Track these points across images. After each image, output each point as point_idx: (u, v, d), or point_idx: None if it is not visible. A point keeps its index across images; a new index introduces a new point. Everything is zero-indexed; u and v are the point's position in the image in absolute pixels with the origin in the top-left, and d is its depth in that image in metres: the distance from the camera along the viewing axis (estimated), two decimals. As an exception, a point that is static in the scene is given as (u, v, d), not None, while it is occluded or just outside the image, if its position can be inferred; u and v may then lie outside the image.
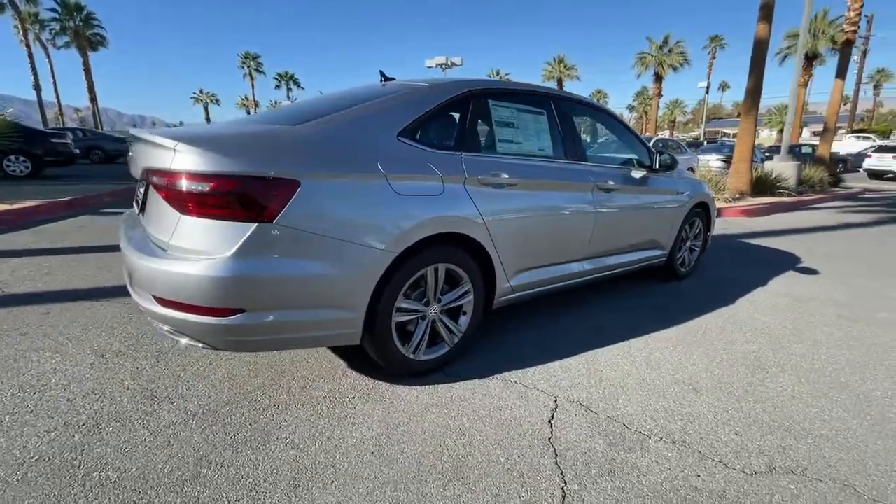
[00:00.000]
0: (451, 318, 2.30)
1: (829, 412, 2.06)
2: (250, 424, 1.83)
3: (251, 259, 1.64)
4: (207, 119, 65.24)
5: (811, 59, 27.31)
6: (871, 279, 4.22)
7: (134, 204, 2.24)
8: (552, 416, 1.97)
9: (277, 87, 58.20)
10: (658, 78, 34.03)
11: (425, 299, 2.17)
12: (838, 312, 3.32)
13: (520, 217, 2.40)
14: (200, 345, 1.78)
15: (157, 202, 1.79)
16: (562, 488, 1.56)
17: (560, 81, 40.52)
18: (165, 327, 1.80)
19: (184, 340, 1.82)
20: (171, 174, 1.63)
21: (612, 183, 2.96)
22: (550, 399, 2.10)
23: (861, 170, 19.64)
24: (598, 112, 3.29)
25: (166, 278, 1.66)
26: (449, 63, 22.57)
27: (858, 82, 36.15)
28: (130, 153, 2.15)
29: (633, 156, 3.34)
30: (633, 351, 2.62)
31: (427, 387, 2.16)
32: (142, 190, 2.03)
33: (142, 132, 1.83)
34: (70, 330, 2.60)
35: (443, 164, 2.11)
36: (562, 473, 1.63)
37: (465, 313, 2.34)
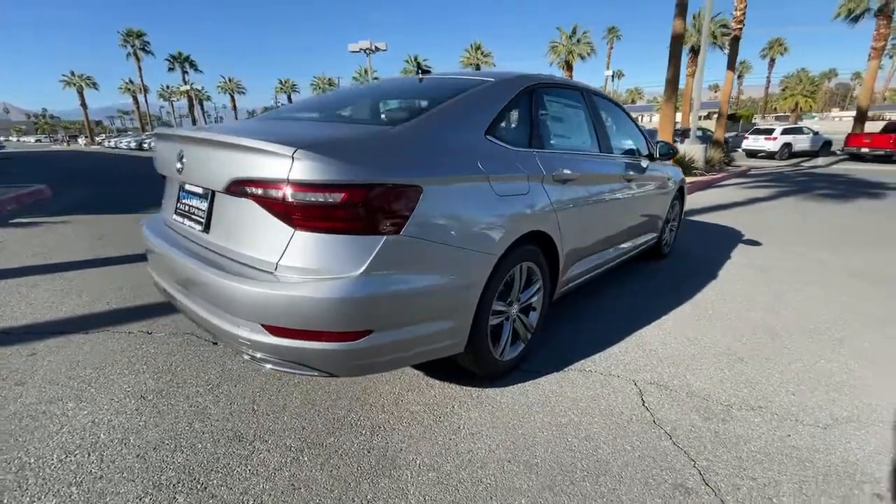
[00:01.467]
0: (525, 316, 2.32)
1: (846, 365, 2.43)
2: (368, 451, 1.71)
3: (380, 275, 1.51)
4: (83, 105, 56.34)
5: (696, 52, 30.80)
6: (806, 247, 4.97)
7: (179, 218, 1.92)
8: (643, 400, 2.09)
9: (171, 69, 51.94)
10: (568, 66, 36.20)
11: (509, 299, 2.16)
12: (799, 279, 3.88)
13: (577, 211, 2.47)
14: (315, 373, 1.61)
15: (248, 217, 1.56)
16: (694, 466, 1.68)
17: (478, 67, 41.23)
18: (258, 355, 1.60)
19: (268, 366, 1.64)
20: (288, 185, 1.43)
21: (631, 173, 3.15)
22: (629, 383, 2.23)
23: (740, 149, 22.73)
24: (609, 103, 3.45)
25: (282, 304, 1.47)
26: (373, 48, 21.83)
27: (700, 73, 41.77)
28: (171, 157, 1.85)
29: (639, 146, 3.57)
30: (666, 328, 2.85)
31: (514, 387, 2.17)
32: (203, 204, 1.75)
33: (224, 137, 1.57)
34: (79, 371, 2.19)
35: (525, 162, 2.11)
36: (685, 452, 1.75)
37: (534, 309, 2.37)
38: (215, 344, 2.49)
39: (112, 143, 39.01)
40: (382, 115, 2.24)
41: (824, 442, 1.83)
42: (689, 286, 3.66)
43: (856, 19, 24.15)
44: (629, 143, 3.46)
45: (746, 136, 22.67)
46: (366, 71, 49.18)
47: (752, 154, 21.88)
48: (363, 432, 1.82)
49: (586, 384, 2.20)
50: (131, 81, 57.44)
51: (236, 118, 61.68)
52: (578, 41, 35.74)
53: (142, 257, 4.04)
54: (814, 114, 67.83)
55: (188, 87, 47.40)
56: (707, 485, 1.59)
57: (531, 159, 2.16)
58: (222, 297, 1.56)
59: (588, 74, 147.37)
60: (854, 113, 24.19)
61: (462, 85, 2.20)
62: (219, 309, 1.60)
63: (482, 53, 41.04)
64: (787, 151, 20.44)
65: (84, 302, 3.03)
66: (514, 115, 2.25)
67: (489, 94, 2.12)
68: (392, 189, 1.52)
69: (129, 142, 35.19)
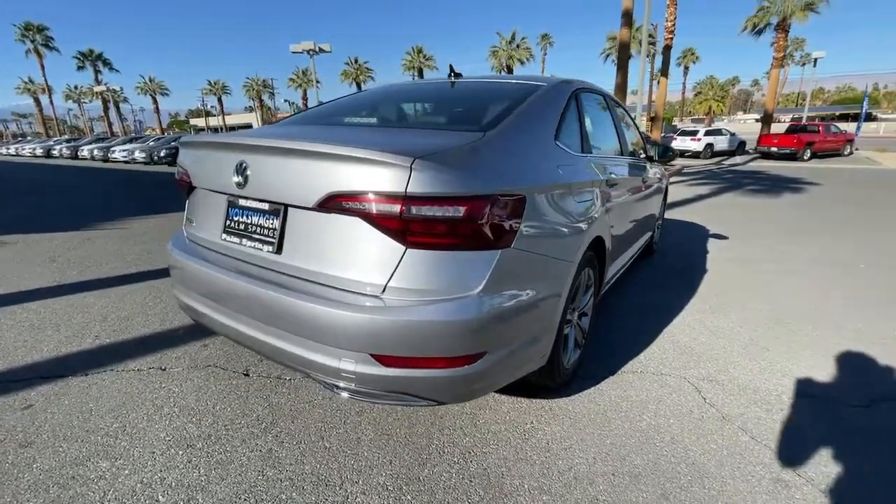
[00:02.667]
0: (580, 322, 2.31)
1: (861, 346, 2.67)
2: (469, 481, 1.61)
3: (497, 292, 1.42)
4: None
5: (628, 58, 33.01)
6: (767, 239, 5.44)
7: (233, 238, 1.69)
8: (703, 398, 2.15)
9: (80, 68, 46.80)
10: (509, 70, 37.29)
11: (573, 306, 2.14)
12: (776, 269, 4.23)
13: (616, 214, 2.51)
14: (422, 403, 1.48)
15: (345, 235, 1.40)
16: (782, 457, 1.75)
17: (420, 71, 41.36)
18: (361, 388, 1.45)
19: (344, 394, 1.50)
20: (406, 198, 1.29)
21: (644, 175, 3.26)
22: (683, 381, 2.29)
23: (670, 149, 24.62)
24: (621, 107, 3.55)
25: (397, 330, 1.33)
26: (317, 49, 21.07)
27: (651, 79, 45.17)
28: (221, 169, 1.62)
29: (641, 147, 3.70)
30: (688, 323, 2.97)
31: (579, 395, 2.15)
32: (272, 221, 1.55)
33: (318, 146, 1.40)
34: (96, 422, 1.86)
35: (586, 167, 2.10)
36: (766, 446, 1.82)
37: (586, 314, 2.37)
38: (246, 375, 2.23)
39: (13, 150, 34.40)
40: (453, 120, 2.12)
41: (867, 421, 1.98)
42: (686, 280, 3.86)
43: (759, 32, 27.03)
44: (639, 146, 3.58)
45: (675, 136, 24.58)
46: (304, 73, 47.56)
47: (680, 154, 23.78)
48: (455, 459, 1.71)
49: (645, 386, 2.23)
50: (31, 81, 51.18)
51: (160, 122, 56.96)
52: (518, 46, 36.99)
53: (117, 280, 3.58)
54: (723, 117, 75.07)
55: (103, 88, 42.96)
56: (800, 476, 1.66)
57: (589, 164, 2.16)
58: (317, 326, 1.39)
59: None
60: (756, 116, 27.07)
61: (517, 89, 2.15)
62: (311, 340, 1.42)
63: (424, 57, 41.16)
64: (710, 151, 22.41)
65: (66, 338, 2.60)
66: (569, 120, 2.23)
67: (550, 98, 2.09)
68: (508, 200, 1.44)
69: (35, 148, 31.22)
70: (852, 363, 2.48)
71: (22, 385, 2.12)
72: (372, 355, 1.36)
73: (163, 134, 48.62)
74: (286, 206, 1.52)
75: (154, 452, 1.69)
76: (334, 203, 1.38)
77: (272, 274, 1.55)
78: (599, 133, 2.61)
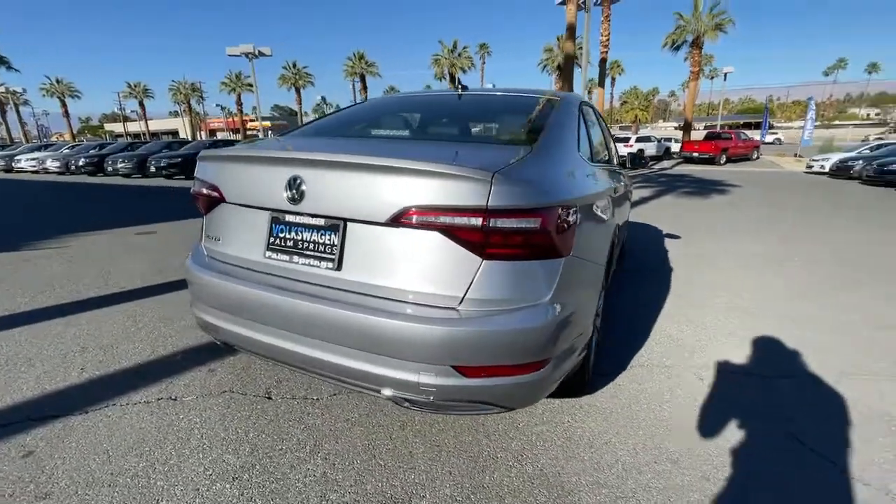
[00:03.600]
0: (595, 322, 2.45)
1: (808, 335, 3.04)
2: (531, 482, 1.67)
3: (560, 298, 1.50)
4: None
5: (561, 69, 34.91)
6: (714, 237, 6.00)
7: (281, 255, 1.62)
8: (723, 384, 2.36)
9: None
10: (452, 78, 37.99)
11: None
12: (730, 265, 4.70)
13: (615, 220, 2.69)
14: (494, 410, 1.52)
15: (417, 249, 1.41)
16: (791, 428, 1.97)
17: (363, 78, 40.88)
18: (440, 400, 1.46)
19: (410, 407, 1.52)
20: (487, 212, 1.33)
21: (624, 181, 3.51)
22: (688, 371, 2.49)
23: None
24: (600, 117, 3.78)
25: (481, 341, 1.37)
26: (256, 52, 20.16)
27: (584, 89, 48.25)
28: (268, 183, 1.56)
29: (617, 155, 3.97)
30: (673, 317, 3.23)
31: (601, 391, 2.28)
32: (331, 237, 1.52)
33: (390, 161, 1.40)
34: (120, 463, 1.69)
35: (602, 176, 2.24)
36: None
37: (598, 315, 2.52)
38: (269, 398, 2.13)
39: None
40: (496, 133, 2.18)
41: (856, 390, 2.28)
42: (659, 278, 4.18)
43: (677, 48, 29.65)
44: (616, 154, 3.84)
45: (609, 143, 26.28)
46: (237, 76, 45.22)
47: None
48: (511, 464, 1.75)
49: (656, 378, 2.41)
50: None
51: (70, 127, 51.51)
52: (459, 55, 37.74)
53: (79, 306, 3.23)
54: (647, 124, 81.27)
55: (1, 89, 38.10)
56: (817, 441, 1.89)
57: (602, 173, 2.31)
58: (394, 341, 1.39)
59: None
60: (675, 123, 29.74)
61: (536, 102, 2.27)
62: (383, 356, 1.41)
63: (366, 63, 40.75)
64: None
65: (45, 373, 2.32)
66: (582, 132, 2.37)
67: (570, 110, 2.21)
68: (568, 209, 1.52)
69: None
70: (815, 348, 2.83)
71: (11, 430, 1.87)
72: (454, 367, 1.38)
73: (74, 140, 43.95)
74: (346, 220, 1.50)
75: (199, 489, 1.58)
76: (409, 218, 1.39)
77: (334, 292, 1.51)
78: (597, 143, 2.79)
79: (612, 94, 76.57)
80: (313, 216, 1.55)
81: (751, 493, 1.64)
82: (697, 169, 18.49)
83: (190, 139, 44.85)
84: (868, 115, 78.44)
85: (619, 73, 66.20)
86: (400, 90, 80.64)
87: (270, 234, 1.65)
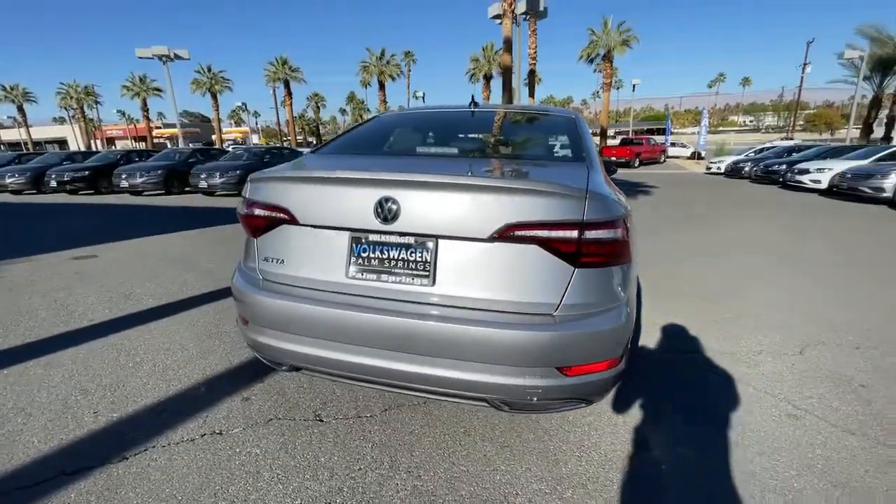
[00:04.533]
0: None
1: (763, 313, 3.57)
2: (603, 466, 1.83)
3: (629, 298, 1.68)
4: None
5: (488, 79, 36.35)
6: (656, 234, 6.68)
7: (369, 275, 1.64)
8: (715, 368, 2.71)
9: None
10: (381, 86, 37.80)
11: None
12: (678, 257, 5.29)
13: None
14: (581, 404, 1.66)
15: (513, 262, 1.52)
16: (782, 398, 2.34)
17: (287, 83, 39.15)
18: (543, 400, 1.57)
19: (505, 407, 1.64)
20: (584, 225, 1.48)
21: None
22: (689, 356, 2.83)
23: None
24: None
25: (580, 341, 1.51)
26: (172, 55, 18.56)
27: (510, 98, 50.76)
28: (355, 204, 1.59)
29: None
30: (653, 308, 3.61)
31: (632, 380, 2.52)
32: (423, 254, 1.57)
33: (491, 181, 1.50)
34: (203, 499, 1.58)
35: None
36: (771, 394, 2.41)
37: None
38: (321, 421, 2.09)
39: None
40: (547, 151, 2.31)
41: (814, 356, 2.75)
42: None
43: (591, 61, 32.28)
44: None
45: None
46: (142, 79, 41.17)
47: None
48: (578, 454, 1.91)
49: (668, 364, 2.71)
50: None
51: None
52: (388, 62, 37.67)
53: (52, 344, 2.86)
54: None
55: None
56: (810, 411, 2.26)
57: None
58: (499, 349, 1.48)
59: (394, 95, 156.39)
60: (590, 130, 32.61)
61: (559, 118, 2.50)
62: (489, 364, 1.50)
63: (290, 68, 39.17)
64: (568, 161, 25.90)
65: (50, 421, 2.05)
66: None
67: (585, 127, 2.43)
68: (629, 217, 1.71)
69: None
70: (776, 326, 3.34)
71: (48, 489, 1.65)
72: (557, 368, 1.51)
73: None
74: (438, 237, 1.57)
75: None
76: (510, 233, 1.49)
77: (431, 307, 1.57)
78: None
79: (531, 104, 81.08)
80: (402, 235, 1.60)
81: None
82: (618, 172, 20.16)
83: (85, 149, 39.91)
84: (744, 122, 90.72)
85: (538, 83, 70.21)
86: (325, 97, 78.53)
87: (352, 255, 1.66)
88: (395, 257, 1.62)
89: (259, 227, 1.83)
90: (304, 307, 1.66)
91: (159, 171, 13.41)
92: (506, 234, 1.50)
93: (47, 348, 2.82)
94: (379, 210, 1.57)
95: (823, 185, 12.72)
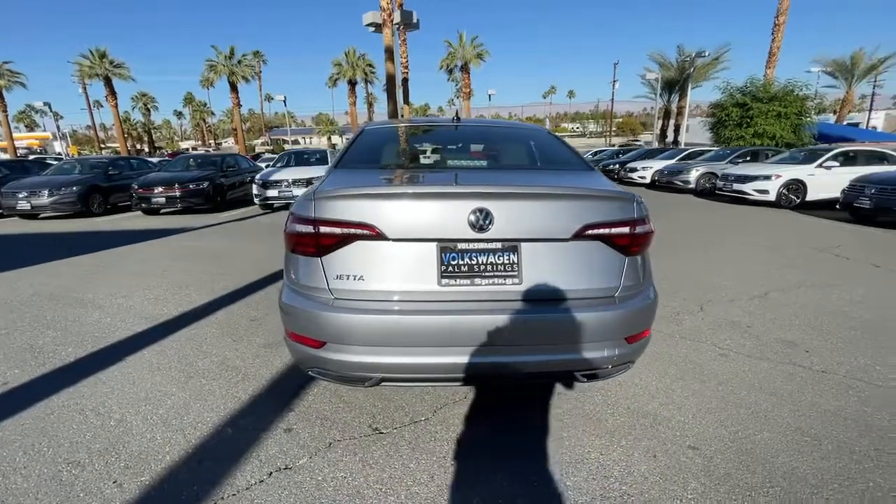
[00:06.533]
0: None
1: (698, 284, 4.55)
2: (632, 415, 2.27)
3: (652, 282, 2.13)
4: None
5: (353, 84, 35.93)
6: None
7: (461, 281, 1.79)
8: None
9: None
10: (233, 87, 34.17)
11: None
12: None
13: None
14: (629, 367, 2.04)
15: (584, 256, 1.83)
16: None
17: (108, 80, 32.61)
18: (614, 366, 1.91)
19: (583, 379, 1.98)
20: (635, 222, 1.85)
21: None
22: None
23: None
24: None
25: (637, 316, 1.89)
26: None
27: (368, 107, 50.73)
28: (447, 216, 1.73)
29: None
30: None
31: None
32: (510, 257, 1.78)
33: (572, 189, 1.81)
34: None
35: None
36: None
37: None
38: (380, 432, 2.11)
39: None
40: (563, 160, 2.57)
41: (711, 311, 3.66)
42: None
43: (450, 71, 34.46)
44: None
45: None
46: None
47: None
48: (619, 411, 2.31)
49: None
50: None
51: None
52: (239, 62, 34.44)
53: (27, 395, 2.18)
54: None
55: None
56: (732, 349, 3.05)
57: None
58: (587, 330, 1.78)
59: (247, 97, 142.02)
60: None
61: (538, 131, 2.88)
62: (579, 343, 1.79)
63: (112, 63, 32.95)
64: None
65: (85, 486, 1.65)
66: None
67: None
68: None
69: None
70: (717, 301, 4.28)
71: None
72: (625, 339, 1.87)
73: None
74: (520, 241, 1.79)
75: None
76: (584, 232, 1.80)
77: (522, 303, 1.78)
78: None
79: (388, 109, 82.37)
80: (490, 241, 1.78)
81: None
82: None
83: None
84: (573, 128, 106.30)
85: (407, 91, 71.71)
86: (155, 97, 67.62)
87: (442, 263, 1.77)
88: (485, 262, 1.79)
89: (329, 245, 1.80)
90: (401, 319, 1.72)
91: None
92: (581, 234, 1.81)
93: (25, 398, 2.17)
94: (473, 220, 1.73)
95: (648, 180, 15.96)
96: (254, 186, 10.77)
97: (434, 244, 1.78)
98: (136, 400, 2.40)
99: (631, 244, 1.90)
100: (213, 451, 2.00)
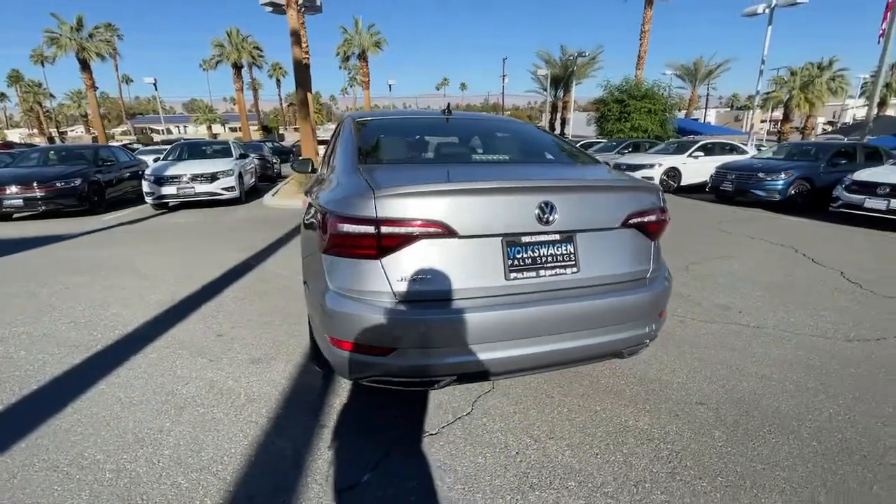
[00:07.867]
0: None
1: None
2: (650, 384, 2.54)
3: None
4: None
5: (239, 68, 32.58)
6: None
7: (527, 273, 1.83)
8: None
9: None
10: (85, 65, 28.39)
11: None
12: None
13: None
14: (650, 343, 2.27)
15: (624, 243, 2.00)
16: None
17: None
18: (651, 341, 2.14)
19: (626, 355, 2.18)
20: (661, 210, 2.07)
21: None
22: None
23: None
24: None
25: (665, 296, 2.12)
26: None
27: (253, 93, 46.56)
28: (514, 211, 1.77)
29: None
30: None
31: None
32: (567, 247, 1.87)
33: (614, 181, 1.93)
34: None
35: None
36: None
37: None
38: (433, 434, 2.07)
39: None
40: (571, 154, 2.63)
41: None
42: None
43: (347, 59, 33.22)
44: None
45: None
46: None
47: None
48: (637, 386, 2.55)
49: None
50: None
51: None
52: (91, 36, 28.97)
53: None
54: (319, 126, 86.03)
55: None
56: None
57: None
58: (635, 310, 1.97)
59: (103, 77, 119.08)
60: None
61: (530, 126, 2.99)
62: (626, 323, 1.96)
63: None
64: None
65: None
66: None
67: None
68: None
69: None
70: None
71: None
72: (658, 315, 2.08)
73: None
74: (575, 231, 1.89)
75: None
76: (628, 220, 1.96)
77: (582, 290, 1.88)
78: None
79: (279, 94, 76.70)
80: (551, 233, 1.84)
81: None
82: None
83: None
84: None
85: (283, 76, 66.77)
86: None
87: (508, 257, 1.79)
88: (546, 253, 1.86)
89: (392, 245, 1.70)
90: (476, 315, 1.71)
91: None
92: (626, 222, 1.97)
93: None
94: (540, 213, 1.78)
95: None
96: (144, 183, 9.28)
97: (499, 239, 1.80)
98: (125, 444, 2.01)
99: (658, 230, 2.11)
100: (258, 484, 1.77)
